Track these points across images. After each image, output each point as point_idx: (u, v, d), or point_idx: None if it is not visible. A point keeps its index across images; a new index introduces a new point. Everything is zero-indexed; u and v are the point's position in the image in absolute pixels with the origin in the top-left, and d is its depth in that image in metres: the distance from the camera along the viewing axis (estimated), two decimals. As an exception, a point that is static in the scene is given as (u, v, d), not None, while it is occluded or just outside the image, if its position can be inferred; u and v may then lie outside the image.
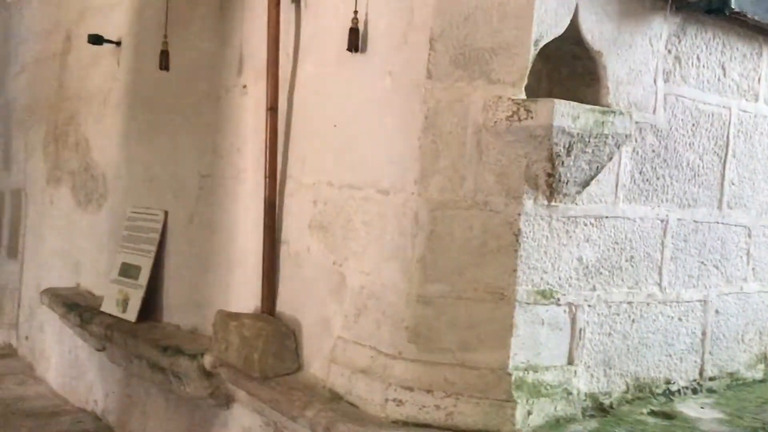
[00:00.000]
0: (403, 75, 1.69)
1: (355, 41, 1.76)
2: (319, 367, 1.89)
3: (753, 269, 2.19)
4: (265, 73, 2.04)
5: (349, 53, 1.79)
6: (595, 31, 1.68)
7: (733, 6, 1.80)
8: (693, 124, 1.95)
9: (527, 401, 1.61)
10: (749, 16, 1.89)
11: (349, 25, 1.77)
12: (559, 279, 1.70)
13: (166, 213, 2.62)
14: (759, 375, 2.24)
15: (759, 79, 2.11)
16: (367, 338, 1.75)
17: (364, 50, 1.78)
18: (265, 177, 2.01)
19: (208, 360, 2.12)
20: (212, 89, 2.41)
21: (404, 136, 1.68)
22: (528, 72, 1.59)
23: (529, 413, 1.61)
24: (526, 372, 1.64)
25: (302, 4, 2.03)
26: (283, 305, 2.04)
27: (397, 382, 1.64)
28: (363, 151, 1.80)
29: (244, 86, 2.25)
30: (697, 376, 2.06)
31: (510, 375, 1.61)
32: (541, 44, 1.60)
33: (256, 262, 2.08)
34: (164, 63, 2.34)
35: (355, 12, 1.76)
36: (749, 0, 1.88)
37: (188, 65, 2.50)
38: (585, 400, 1.76)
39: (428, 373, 1.63)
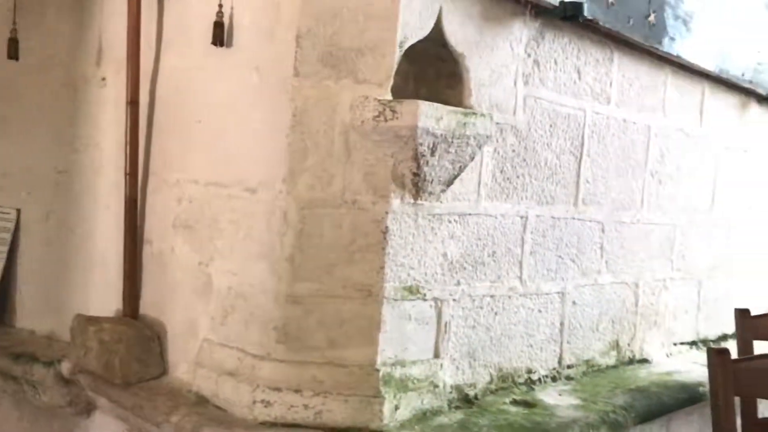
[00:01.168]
0: (271, 72, 1.66)
1: (220, 35, 1.71)
2: (185, 370, 1.84)
3: (606, 262, 2.33)
4: (125, 65, 1.95)
5: (214, 47, 1.74)
6: (459, 34, 1.73)
7: (586, 14, 1.90)
8: (551, 125, 2.05)
9: (395, 396, 1.64)
10: (601, 23, 2.01)
11: (214, 18, 1.72)
12: (425, 275, 1.73)
13: (18, 211, 2.45)
14: (612, 361, 2.39)
15: (611, 83, 2.24)
16: (234, 340, 1.72)
17: (230, 45, 1.74)
18: (126, 174, 1.92)
19: (65, 367, 2.01)
20: (69, 80, 2.27)
21: (272, 133, 1.66)
22: (394, 73, 1.62)
23: (397, 408, 1.64)
24: (393, 367, 1.67)
25: (165, -5, 1.96)
26: (146, 308, 1.97)
27: (265, 383, 1.62)
28: (230, 148, 1.76)
29: (103, 78, 2.14)
30: (556, 365, 2.17)
31: (378, 371, 1.63)
32: (407, 45, 1.63)
33: (118, 263, 1.99)
34: (13, 51, 2.18)
35: (220, 5, 1.72)
36: (601, 9, 2.00)
37: (43, 54, 2.34)
38: (451, 392, 1.81)
39: (297, 372, 1.62)
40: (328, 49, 1.61)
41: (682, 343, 2.74)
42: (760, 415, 1.85)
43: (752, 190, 3.09)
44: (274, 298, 1.64)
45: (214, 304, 1.77)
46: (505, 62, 1.87)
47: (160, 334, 1.92)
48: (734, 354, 2.01)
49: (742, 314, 1.96)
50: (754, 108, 3.04)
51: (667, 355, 2.64)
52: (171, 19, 1.95)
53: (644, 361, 2.51)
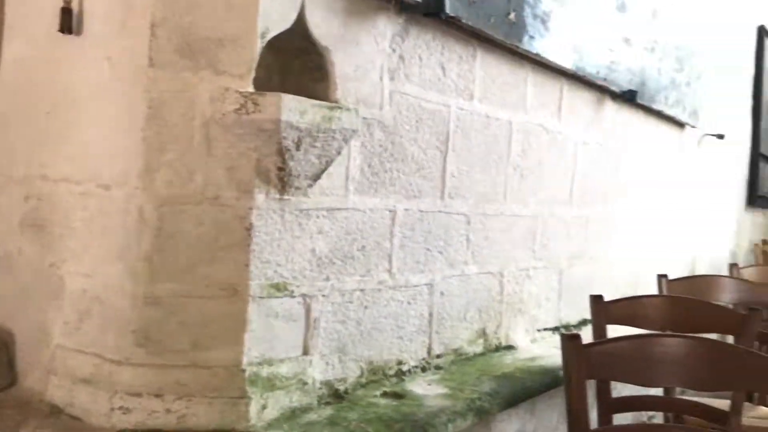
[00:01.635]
0: (124, 62, 1.58)
1: (68, 22, 1.61)
2: (36, 380, 1.72)
3: (472, 253, 2.39)
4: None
5: (62, 35, 1.63)
6: (322, 27, 1.71)
7: (448, 11, 1.94)
8: (417, 121, 2.07)
9: (262, 395, 1.61)
10: (463, 21, 2.06)
11: (61, 4, 1.62)
12: (293, 271, 1.71)
13: None
14: (479, 349, 2.46)
15: (474, 80, 2.30)
16: (90, 345, 1.62)
17: (79, 32, 1.64)
18: (-34, 171, 1.77)
19: None
20: None
21: (126, 127, 1.58)
22: (256, 64, 1.58)
23: (264, 407, 1.61)
24: (260, 366, 1.64)
25: (8, -23, 1.82)
26: (-7, 314, 1.83)
27: (124, 389, 1.54)
28: (81, 142, 1.66)
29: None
30: (425, 355, 2.21)
31: (244, 371, 1.59)
32: (269, 37, 1.59)
33: (-41, 267, 1.84)
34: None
35: (68, -10, 1.61)
36: (463, 5, 2.04)
37: None
38: (321, 389, 1.80)
39: (158, 376, 1.55)
40: (186, 40, 1.55)
41: (545, 329, 2.87)
42: (614, 395, 1.96)
43: (607, 183, 3.28)
44: (132, 300, 1.56)
45: (67, 308, 1.67)
46: (370, 57, 1.87)
47: (8, 342, 1.79)
48: (592, 338, 2.13)
49: (596, 300, 2.07)
50: (609, 104, 3.23)
51: (532, 341, 2.75)
52: (14, 4, 1.81)
53: (510, 347, 2.60)
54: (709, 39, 4.46)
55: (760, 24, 5.91)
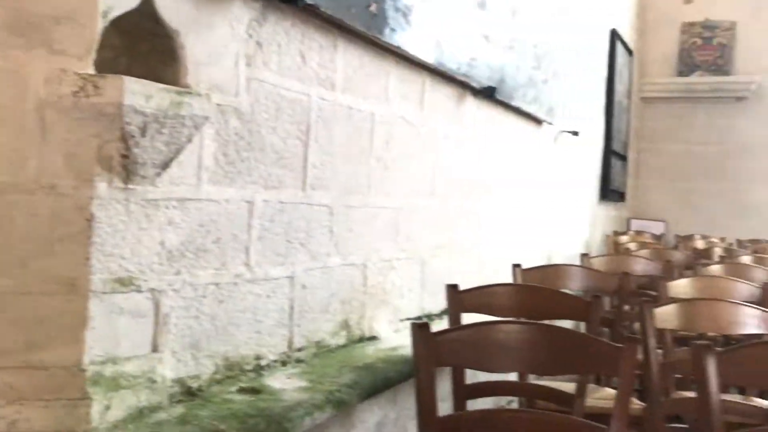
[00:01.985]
0: (-55, 37, 1.44)
1: None
2: None
3: (335, 245, 2.38)
4: None
5: None
6: (172, 9, 1.63)
7: (305, -2, 1.91)
8: (276, 109, 2.03)
9: (105, 396, 1.52)
10: (322, 9, 2.03)
11: None
12: (140, 265, 1.63)
13: None
14: (342, 341, 2.46)
15: (336, 70, 2.29)
16: None
17: None
18: None
19: None
20: None
21: (-51, 108, 1.44)
22: (97, 45, 1.48)
23: (108, 408, 1.52)
24: (104, 365, 1.54)
25: None
26: None
27: (-55, 395, 1.41)
28: None
29: None
30: (286, 349, 2.17)
31: (84, 371, 1.49)
32: (112, 16, 1.50)
33: None
34: None
35: None
36: (323, -6, 2.02)
37: None
38: (172, 387, 1.72)
39: (-14, 380, 1.43)
40: (17, 15, 1.43)
41: (408, 319, 2.91)
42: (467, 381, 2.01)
43: (469, 176, 3.37)
44: (-44, 297, 1.43)
45: None
46: (225, 42, 1.81)
47: None
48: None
49: (451, 289, 2.12)
50: (470, 100, 3.32)
51: (395, 332, 2.78)
52: None
53: (373, 338, 2.62)
54: (566, 40, 4.70)
55: (612, 27, 6.29)
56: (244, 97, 1.90)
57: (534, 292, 2.21)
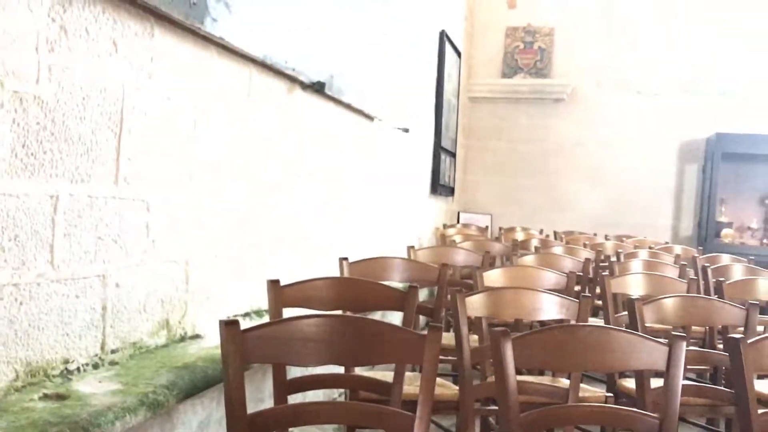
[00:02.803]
0: None
1: None
2: None
3: (153, 241, 2.29)
4: None
5: None
6: (-44, -15, 1.50)
7: (115, -17, 1.81)
8: (84, 98, 1.92)
9: None
10: (135, -4, 1.95)
11: None
12: None
13: None
14: (162, 341, 2.37)
15: (152, 59, 2.20)
16: None
17: None
18: None
19: None
20: None
21: None
22: None
23: None
24: None
25: None
26: None
27: None
28: None
29: None
30: (98, 351, 2.06)
31: None
32: None
33: None
34: None
35: None
36: (136, -20, 1.93)
37: None
38: (-39, 398, 1.59)
39: None
40: None
41: (236, 316, 2.86)
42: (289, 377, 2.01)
43: (303, 168, 3.37)
44: None
45: None
46: (21, 25, 1.68)
47: None
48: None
49: (271, 284, 2.11)
50: (299, 93, 3.32)
51: (221, 329, 2.72)
52: None
53: (197, 336, 2.55)
54: (397, 39, 4.82)
55: (442, 29, 6.54)
56: (47, 85, 1.78)
57: (353, 285, 2.25)
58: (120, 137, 2.08)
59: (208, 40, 2.45)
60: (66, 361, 1.93)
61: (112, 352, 2.12)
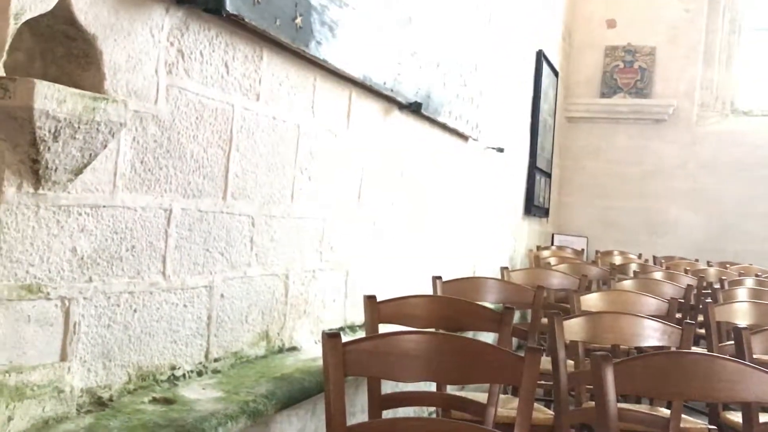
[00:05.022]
0: None
1: None
2: None
3: (256, 255, 2.38)
4: None
5: None
6: (89, 14, 1.62)
7: (229, 8, 1.91)
8: (197, 118, 2.02)
9: (8, 406, 1.48)
10: (246, 20, 2.04)
11: None
12: (50, 272, 1.59)
13: None
14: (261, 351, 2.45)
15: (260, 81, 2.30)
16: None
17: None
18: None
19: None
20: None
21: None
22: (7, 47, 1.45)
23: (10, 419, 1.48)
24: (7, 375, 1.50)
25: None
26: None
27: None
28: None
29: None
30: (202, 359, 2.16)
31: (-14, 381, 1.46)
32: (24, 18, 1.47)
33: None
34: None
35: None
36: (247, 5, 2.03)
37: None
38: (81, 396, 1.69)
39: None
40: None
41: (331, 330, 2.92)
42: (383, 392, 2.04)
43: (393, 187, 3.42)
44: None
45: None
46: (145, 49, 1.80)
47: None
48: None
49: (369, 300, 2.15)
50: (396, 114, 3.37)
51: (316, 342, 2.79)
52: None
53: (294, 349, 2.62)
54: (493, 59, 4.82)
55: (539, 49, 6.48)
56: (164, 104, 1.89)
57: (449, 304, 2.25)
58: (229, 155, 2.18)
59: (311, 62, 2.53)
60: (173, 367, 2.03)
61: (215, 360, 2.21)
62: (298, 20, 2.30)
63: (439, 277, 2.75)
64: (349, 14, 2.65)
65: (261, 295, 2.43)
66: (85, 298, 1.70)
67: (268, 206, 2.42)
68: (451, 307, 2.23)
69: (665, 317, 2.80)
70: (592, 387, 2.56)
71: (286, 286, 2.57)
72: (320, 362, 2.47)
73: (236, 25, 2.10)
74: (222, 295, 2.22)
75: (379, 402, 1.94)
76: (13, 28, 1.45)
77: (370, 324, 2.14)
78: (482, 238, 5.19)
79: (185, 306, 2.06)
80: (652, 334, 2.24)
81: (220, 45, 2.09)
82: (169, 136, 1.93)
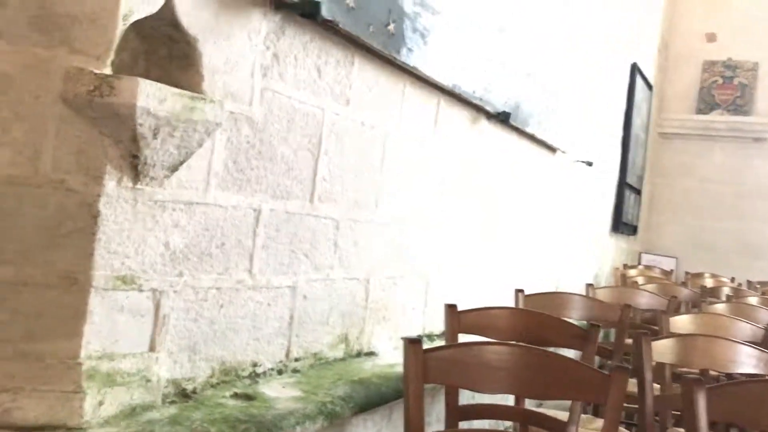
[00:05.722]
0: (-30, 30, 1.48)
1: None
2: None
3: (339, 258, 2.40)
4: None
5: None
6: (192, 16, 1.67)
7: (325, 14, 1.94)
8: (288, 121, 2.06)
9: (99, 391, 1.54)
10: (341, 26, 2.07)
11: None
12: (143, 264, 1.65)
13: None
14: (340, 354, 2.47)
15: (350, 86, 2.32)
16: None
17: None
18: None
19: None
20: None
21: (-31, 99, 1.48)
22: (115, 46, 1.52)
23: (101, 403, 1.54)
24: (100, 361, 1.57)
25: None
26: None
27: (-58, 379, 1.43)
28: None
29: None
30: (283, 358, 2.19)
31: (80, 365, 1.52)
32: (132, 20, 1.54)
33: None
34: None
35: None
36: (342, 11, 2.06)
37: None
38: (167, 387, 1.74)
39: (-17, 367, 1.46)
40: (40, 13, 1.47)
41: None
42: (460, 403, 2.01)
43: (479, 196, 3.38)
44: (-39, 284, 1.46)
45: None
46: (242, 51, 1.85)
47: None
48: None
49: (449, 309, 2.13)
50: (484, 123, 3.34)
51: (395, 348, 2.78)
52: None
53: (372, 353, 2.62)
54: (586, 71, 4.71)
55: (633, 62, 6.30)
56: (258, 106, 1.93)
57: (531, 317, 2.21)
58: (317, 158, 2.21)
59: (401, 68, 2.54)
60: (254, 365, 2.07)
61: (295, 360, 2.23)
62: (391, 27, 2.31)
63: (522, 291, 2.70)
64: (441, 22, 2.64)
65: (342, 299, 2.45)
66: (174, 292, 1.75)
67: (352, 210, 2.43)
68: (534, 321, 2.18)
69: (760, 345, 2.66)
70: (679, 412, 2.46)
71: (366, 290, 2.58)
72: (398, 368, 2.48)
73: (329, 30, 2.13)
74: (305, 296, 2.25)
75: (456, 412, 1.92)
76: (121, 29, 1.52)
77: (450, 333, 2.12)
78: (566, 253, 5.07)
79: (269, 305, 2.09)
80: (746, 361, 2.13)
81: (313, 50, 2.12)
82: (261, 138, 1.97)
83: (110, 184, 1.54)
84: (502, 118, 3.34)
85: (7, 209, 1.47)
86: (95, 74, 1.47)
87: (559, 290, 4.71)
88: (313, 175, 2.21)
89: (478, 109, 3.19)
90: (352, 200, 2.43)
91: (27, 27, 1.46)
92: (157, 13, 1.60)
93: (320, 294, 2.32)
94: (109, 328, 1.59)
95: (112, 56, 1.52)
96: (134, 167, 1.56)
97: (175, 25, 1.66)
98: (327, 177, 2.27)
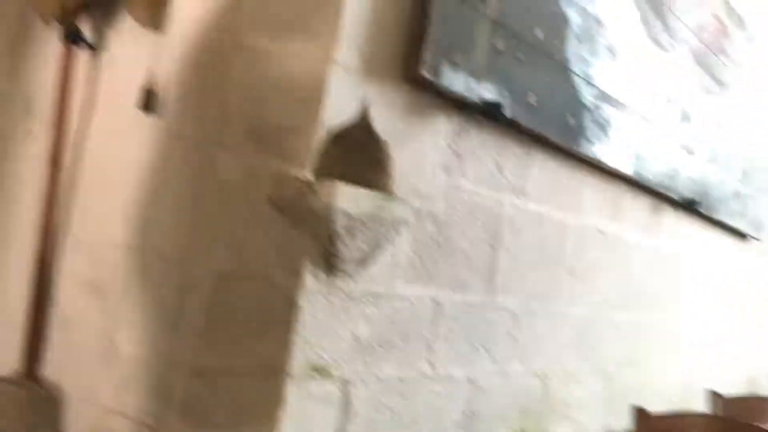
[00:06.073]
0: (195, 142, 1.69)
1: (149, 102, 1.74)
2: (79, 438, 1.77)
3: (516, 351, 2.38)
4: (52, 123, 1.95)
5: (141, 113, 1.76)
6: (385, 123, 1.79)
7: (507, 114, 2.00)
8: (468, 215, 2.11)
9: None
10: (522, 123, 2.12)
11: (145, 84, 1.75)
12: (335, 355, 1.74)
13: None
14: (518, 450, 2.41)
15: (528, 179, 2.34)
16: (133, 410, 1.68)
17: (157, 112, 1.77)
18: (40, 232, 1.89)
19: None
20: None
21: (193, 202, 1.67)
22: (317, 153, 1.66)
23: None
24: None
25: (101, 57, 1.98)
26: (48, 370, 1.90)
27: (159, 456, 1.58)
28: (148, 213, 1.76)
29: (30, 131, 2.13)
30: (460, 452, 2.17)
31: (277, 450, 1.61)
32: (332, 129, 1.68)
33: (22, 320, 1.94)
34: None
35: (150, 72, 1.75)
36: (522, 108, 2.11)
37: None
38: (353, 475, 1.79)
39: (193, 447, 1.59)
40: (255, 125, 1.65)
41: (589, 436, 2.79)
42: None
43: (662, 289, 3.22)
44: (179, 370, 1.62)
45: (116, 371, 1.73)
46: (427, 153, 1.94)
47: (59, 399, 1.85)
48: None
49: (639, 412, 2.02)
50: (667, 211, 3.21)
51: (574, 447, 2.67)
52: (103, 79, 1.97)
53: (550, 452, 2.54)
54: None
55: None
56: (441, 203, 2.01)
57: (733, 428, 2.04)
58: (495, 250, 2.24)
59: (581, 160, 2.53)
60: (433, 457, 2.07)
61: (474, 454, 2.21)
62: (571, 120, 2.33)
63: (719, 395, 2.50)
64: (623, 112, 2.62)
65: (519, 392, 2.41)
66: (361, 381, 1.82)
67: (530, 302, 2.41)
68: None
69: None
70: None
71: (544, 385, 2.52)
72: (580, 469, 2.38)
73: (510, 127, 2.18)
74: (482, 389, 2.24)
75: None
76: (321, 137, 1.67)
77: (639, 437, 2.01)
78: (762, 348, 4.64)
79: (447, 396, 2.11)
80: None
81: (492, 146, 2.18)
82: (442, 232, 2.03)
83: (309, 279, 1.66)
84: (688, 206, 3.19)
85: (220, 301, 1.63)
86: (299, 179, 1.62)
87: (754, 387, 4.30)
88: (491, 267, 2.24)
89: (660, 197, 3.08)
90: (530, 292, 2.41)
91: (244, 137, 1.65)
92: (353, 122, 1.73)
93: (497, 387, 2.30)
94: (302, 417, 1.68)
95: (313, 162, 1.66)
96: (329, 262, 1.67)
97: (369, 131, 1.78)
98: (505, 268, 2.28)
